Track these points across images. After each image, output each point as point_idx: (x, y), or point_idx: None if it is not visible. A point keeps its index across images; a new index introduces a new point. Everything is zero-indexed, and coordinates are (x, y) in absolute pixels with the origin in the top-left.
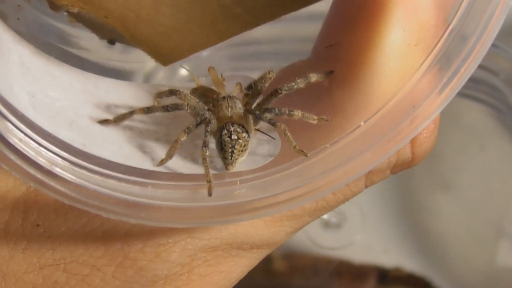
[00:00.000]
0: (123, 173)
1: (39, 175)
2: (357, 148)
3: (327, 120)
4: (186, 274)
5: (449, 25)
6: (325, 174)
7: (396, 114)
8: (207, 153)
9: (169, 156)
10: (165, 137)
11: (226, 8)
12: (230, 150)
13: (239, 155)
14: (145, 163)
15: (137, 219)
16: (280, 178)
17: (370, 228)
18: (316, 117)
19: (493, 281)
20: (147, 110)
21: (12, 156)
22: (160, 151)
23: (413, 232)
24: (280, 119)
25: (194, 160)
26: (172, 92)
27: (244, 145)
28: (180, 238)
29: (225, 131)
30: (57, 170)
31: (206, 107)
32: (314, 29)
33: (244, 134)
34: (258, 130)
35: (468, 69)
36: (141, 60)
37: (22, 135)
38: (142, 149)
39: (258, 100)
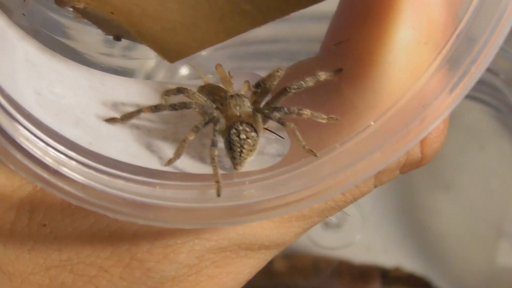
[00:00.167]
0: (131, 173)
1: (46, 175)
2: (367, 148)
3: (337, 119)
4: (194, 275)
5: (459, 23)
6: (335, 174)
7: (406, 113)
8: (216, 153)
9: (177, 155)
10: (173, 135)
11: (234, 4)
12: (238, 149)
13: (248, 154)
14: (152, 162)
15: (145, 219)
16: (289, 178)
17: (370, 228)
18: (325, 116)
19: (493, 281)
20: (155, 108)
21: (19, 156)
22: (168, 150)
23: (413, 232)
24: (289, 118)
25: (202, 160)
26: (180, 91)
27: (253, 145)
28: (188, 239)
29: (233, 130)
30: (64, 170)
31: (214, 106)
32: (314, 28)
33: (253, 134)
34: (266, 129)
35: (479, 68)
36: (142, 58)
37: (29, 134)
38: (150, 148)
39: (266, 99)
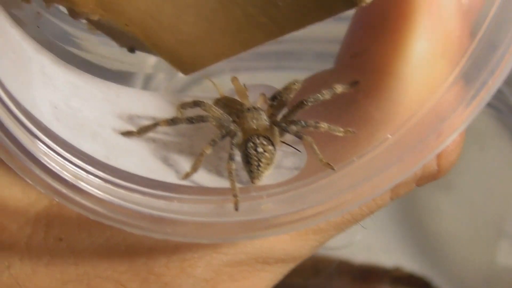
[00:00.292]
0: (148, 187)
1: (64, 190)
2: (384, 161)
3: (354, 132)
4: None
5: (475, 36)
6: (352, 188)
7: (423, 127)
8: (233, 167)
9: (194, 169)
10: (189, 148)
11: (250, 17)
12: (256, 163)
13: (265, 168)
14: (169, 176)
15: (163, 234)
16: (307, 192)
17: (370, 228)
18: (342, 129)
19: (493, 281)
20: (171, 122)
21: (37, 171)
22: (184, 163)
23: (413, 232)
24: (305, 131)
25: (219, 173)
26: (196, 104)
27: (270, 158)
28: (205, 253)
29: (250, 144)
30: (82, 185)
31: (230, 119)
32: (314, 29)
33: (270, 147)
34: (283, 142)
35: (496, 81)
36: (141, 60)
37: (47, 148)
38: (166, 161)
39: (283, 112)
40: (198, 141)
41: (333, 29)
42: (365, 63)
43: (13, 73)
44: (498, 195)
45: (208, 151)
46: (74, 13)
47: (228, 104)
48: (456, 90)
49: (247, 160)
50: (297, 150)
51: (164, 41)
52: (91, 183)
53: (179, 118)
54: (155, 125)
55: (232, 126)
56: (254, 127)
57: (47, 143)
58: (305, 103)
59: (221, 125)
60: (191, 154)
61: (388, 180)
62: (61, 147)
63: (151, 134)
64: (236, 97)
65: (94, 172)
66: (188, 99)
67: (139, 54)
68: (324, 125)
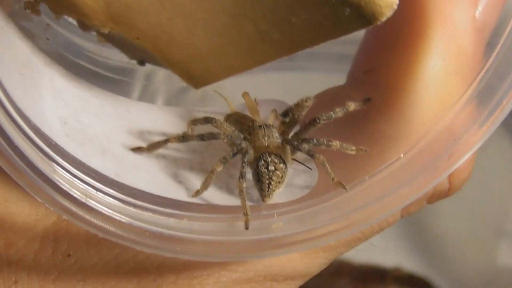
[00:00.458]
0: (158, 205)
1: (73, 208)
2: (395, 181)
3: (366, 150)
4: None
5: (491, 54)
6: (363, 208)
7: (436, 146)
8: (244, 185)
9: (204, 187)
10: (199, 165)
11: (263, 33)
12: (267, 181)
13: (276, 186)
14: (179, 194)
15: (173, 252)
16: (318, 211)
17: None
18: (354, 148)
19: (493, 281)
20: (182, 138)
21: (47, 189)
22: (195, 180)
23: (413, 232)
24: (317, 149)
25: (229, 191)
26: (207, 120)
27: (282, 176)
28: (214, 270)
29: (262, 162)
30: (92, 203)
31: (242, 136)
32: None
33: (281, 165)
34: (294, 159)
35: (510, 102)
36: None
37: (56, 166)
38: (177, 178)
39: (295, 129)
40: (209, 157)
41: None
42: (378, 80)
43: (22, 88)
44: (498, 195)
45: (219, 168)
46: (84, 26)
47: (239, 120)
48: (470, 109)
49: (258, 178)
50: (309, 168)
51: (175, 55)
52: (101, 201)
53: (190, 135)
54: (165, 141)
55: (244, 144)
56: (266, 144)
57: (56, 160)
58: (318, 121)
59: (232, 142)
60: (202, 170)
61: (399, 200)
62: (71, 164)
63: (161, 150)
64: (247, 113)
65: (104, 190)
66: (199, 114)
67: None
68: (336, 144)
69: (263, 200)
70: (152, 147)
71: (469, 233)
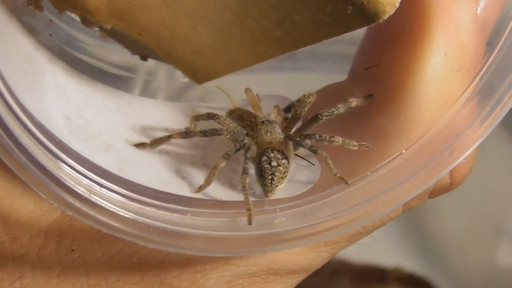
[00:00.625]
0: (162, 201)
1: (77, 204)
2: (397, 177)
3: (368, 146)
4: None
5: (492, 51)
6: (366, 203)
7: (437, 142)
8: (247, 180)
9: (207, 182)
10: (202, 160)
11: (266, 30)
12: (270, 177)
13: (279, 182)
14: (182, 189)
15: (176, 248)
16: (320, 206)
17: None
18: (356, 143)
19: (493, 281)
20: (185, 134)
21: (51, 185)
22: (198, 176)
23: (413, 232)
24: (319, 145)
25: (232, 186)
26: (210, 116)
27: (284, 172)
28: (217, 264)
29: (264, 158)
30: (96, 199)
31: (244, 132)
32: None
33: (284, 161)
34: (297, 155)
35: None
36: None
37: (60, 162)
38: (179, 174)
39: (297, 125)
40: (211, 153)
41: None
42: (379, 76)
43: (26, 85)
44: (498, 195)
45: (222, 164)
46: (87, 21)
47: (242, 116)
48: (471, 105)
49: (261, 174)
50: (311, 163)
51: (178, 51)
52: (105, 197)
53: (193, 131)
54: (168, 137)
55: (246, 140)
56: (268, 140)
57: (60, 157)
58: (320, 117)
59: (235, 138)
60: (205, 166)
61: (401, 195)
62: (75, 161)
63: (164, 146)
64: (249, 108)
65: (108, 186)
66: (201, 110)
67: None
68: (338, 139)
69: (266, 196)
70: (155, 143)
71: (469, 233)
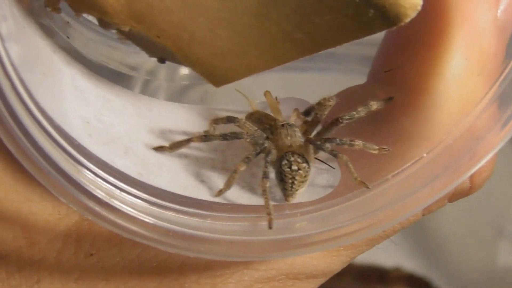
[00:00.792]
0: (181, 205)
1: (97, 208)
2: (418, 181)
3: (388, 150)
4: None
5: None
6: (386, 207)
7: (458, 146)
8: (268, 185)
9: (227, 186)
10: (221, 164)
11: (285, 33)
12: (290, 181)
13: (299, 186)
14: (202, 193)
15: (197, 252)
16: (341, 210)
17: None
18: (376, 147)
19: (493, 281)
20: (205, 138)
21: (71, 190)
22: (217, 179)
23: (413, 232)
24: (339, 149)
25: (252, 190)
26: (230, 120)
27: (305, 176)
28: (236, 269)
29: (285, 161)
30: (116, 203)
31: (264, 135)
32: None
33: (304, 165)
34: (317, 158)
35: None
36: (143, 57)
37: (80, 166)
38: (199, 177)
39: (317, 128)
40: (231, 156)
41: None
42: (400, 79)
43: (45, 88)
44: (498, 195)
45: (242, 168)
46: (104, 23)
47: (261, 119)
48: (492, 109)
49: (281, 178)
50: (331, 167)
51: (196, 53)
52: (125, 201)
53: (213, 135)
54: (188, 141)
55: (267, 143)
56: (289, 144)
57: (80, 160)
58: (341, 121)
59: (255, 142)
60: (224, 169)
61: (422, 200)
62: (94, 164)
63: (183, 149)
64: (268, 111)
65: (128, 190)
66: (220, 113)
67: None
68: (359, 143)
69: (286, 200)
70: (174, 147)
71: (469, 233)
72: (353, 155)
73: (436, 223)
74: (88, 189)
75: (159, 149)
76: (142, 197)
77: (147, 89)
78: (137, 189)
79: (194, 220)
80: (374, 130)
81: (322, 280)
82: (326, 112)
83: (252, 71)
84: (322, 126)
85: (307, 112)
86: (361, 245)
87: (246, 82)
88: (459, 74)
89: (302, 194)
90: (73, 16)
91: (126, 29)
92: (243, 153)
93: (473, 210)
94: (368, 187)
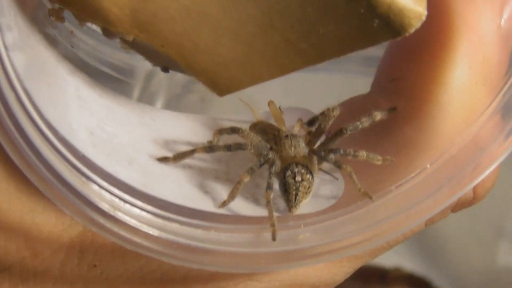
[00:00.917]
0: (186, 216)
1: (101, 220)
2: (421, 192)
3: (392, 161)
4: None
5: None
6: (390, 218)
7: (461, 157)
8: (271, 196)
9: (231, 197)
10: (225, 175)
11: (290, 43)
12: (294, 192)
13: (303, 197)
14: (206, 204)
15: (200, 264)
16: (344, 222)
17: None
18: (380, 158)
19: (493, 281)
20: (209, 149)
21: (75, 201)
22: (221, 190)
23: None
24: (343, 159)
25: (256, 201)
26: (234, 130)
27: (308, 187)
28: (240, 280)
29: (289, 172)
30: (120, 215)
31: (268, 146)
32: None
33: (308, 176)
34: (321, 169)
35: None
36: (142, 59)
37: (84, 178)
38: (203, 188)
39: (321, 139)
40: (234, 167)
41: None
42: (403, 89)
43: (49, 98)
44: (498, 195)
45: (246, 179)
46: (108, 32)
47: (265, 130)
48: (496, 119)
49: (285, 189)
50: (335, 177)
51: (200, 62)
52: (129, 213)
53: (217, 146)
54: (192, 151)
55: (271, 154)
56: (292, 154)
57: (84, 172)
58: (345, 131)
59: (259, 153)
60: (228, 180)
61: (425, 211)
62: (99, 176)
63: (187, 160)
64: (272, 121)
65: (132, 201)
66: (224, 123)
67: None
68: (362, 154)
69: (290, 211)
70: (178, 157)
71: (469, 233)
72: (356, 166)
73: (436, 223)
74: (92, 201)
75: (163, 159)
76: (146, 208)
77: (145, 94)
78: (141, 201)
79: (198, 232)
80: (378, 140)
81: None
82: (330, 123)
83: (256, 81)
84: (326, 136)
85: (310, 122)
86: (364, 256)
87: (249, 89)
88: (463, 84)
89: (305, 205)
90: (77, 25)
91: (130, 38)
92: (247, 164)
93: (473, 210)
94: (371, 198)
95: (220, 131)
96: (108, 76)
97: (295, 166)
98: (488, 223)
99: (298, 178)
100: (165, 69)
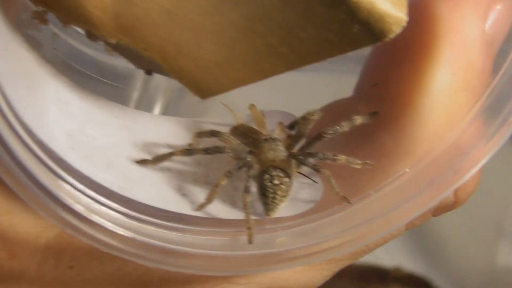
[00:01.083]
0: (162, 219)
1: (76, 223)
2: (401, 196)
3: (372, 165)
4: None
5: (499, 70)
6: (369, 222)
7: (442, 161)
8: (249, 199)
9: (209, 200)
10: (204, 178)
11: (271, 47)
12: (271, 195)
13: (280, 200)
14: (183, 207)
15: (176, 267)
16: (322, 225)
17: None
18: (360, 162)
19: (493, 281)
20: (188, 152)
21: (51, 204)
22: (199, 193)
23: (413, 232)
24: (322, 163)
25: (233, 204)
26: (213, 134)
27: (287, 191)
28: (217, 283)
29: (266, 176)
30: (94, 217)
31: (247, 149)
32: None
33: (286, 179)
34: (299, 173)
35: None
36: (131, 69)
37: (60, 181)
38: (181, 191)
39: (300, 142)
40: (214, 170)
41: None
42: (385, 94)
43: (28, 100)
44: (498, 195)
45: (224, 182)
46: (92, 35)
47: (246, 133)
48: (477, 124)
49: (263, 192)
50: (314, 181)
51: (183, 66)
52: (104, 216)
53: (196, 149)
54: (170, 154)
55: (249, 158)
56: (271, 158)
57: (60, 175)
58: (324, 135)
59: (237, 156)
60: (206, 183)
61: (404, 215)
62: (74, 178)
63: (165, 163)
64: (253, 124)
65: (108, 204)
66: (205, 126)
67: None
68: (341, 158)
69: (267, 214)
70: (157, 160)
71: (469, 233)
72: (335, 170)
73: (436, 223)
74: (67, 203)
75: (141, 162)
76: (122, 211)
77: (143, 99)
78: (117, 203)
79: (173, 235)
80: (358, 144)
81: None
82: (310, 126)
83: (238, 84)
84: (306, 140)
85: (291, 126)
86: (343, 259)
87: (233, 92)
88: (445, 90)
89: (283, 209)
90: (61, 27)
91: (114, 41)
92: (226, 167)
93: (473, 210)
94: (350, 203)
95: (200, 134)
96: (98, 81)
97: (273, 170)
98: (488, 223)
99: (276, 182)
100: (149, 72)
